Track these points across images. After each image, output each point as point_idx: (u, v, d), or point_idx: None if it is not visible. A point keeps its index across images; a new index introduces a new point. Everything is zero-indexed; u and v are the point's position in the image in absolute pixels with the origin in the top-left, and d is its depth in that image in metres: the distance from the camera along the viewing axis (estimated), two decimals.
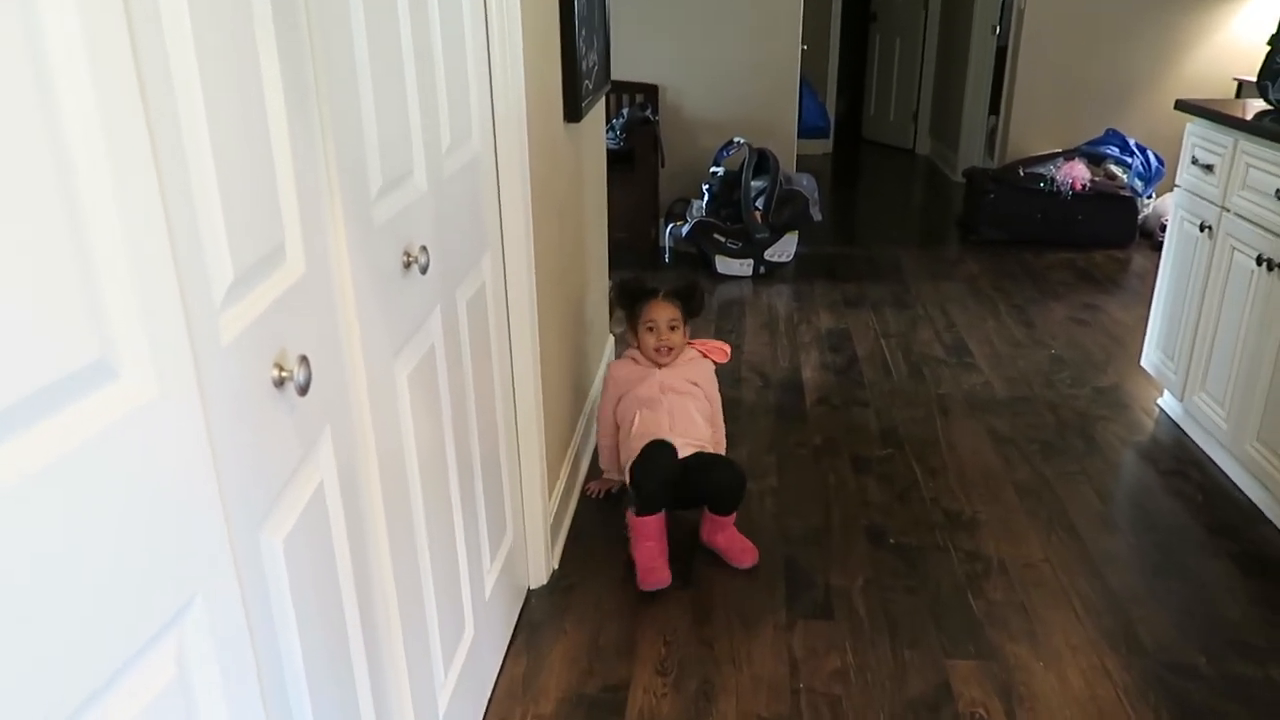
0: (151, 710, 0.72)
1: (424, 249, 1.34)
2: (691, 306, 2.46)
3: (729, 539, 2.28)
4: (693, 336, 2.51)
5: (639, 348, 2.42)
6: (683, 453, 2.26)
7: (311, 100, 1.03)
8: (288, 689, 0.96)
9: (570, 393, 2.53)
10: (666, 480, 2.21)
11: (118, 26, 0.68)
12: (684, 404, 2.38)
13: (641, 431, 2.31)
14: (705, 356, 2.49)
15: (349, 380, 1.14)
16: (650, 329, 2.38)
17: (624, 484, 2.38)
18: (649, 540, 2.19)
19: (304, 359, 0.94)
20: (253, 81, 0.90)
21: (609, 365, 2.51)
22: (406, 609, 1.35)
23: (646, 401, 2.35)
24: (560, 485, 2.35)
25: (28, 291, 0.59)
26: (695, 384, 2.43)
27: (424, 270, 1.35)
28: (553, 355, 2.25)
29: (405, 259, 1.31)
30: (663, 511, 2.21)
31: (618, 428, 2.42)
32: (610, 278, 3.41)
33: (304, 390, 0.94)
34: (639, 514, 2.20)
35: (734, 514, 2.30)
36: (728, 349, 2.52)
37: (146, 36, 0.71)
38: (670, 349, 2.38)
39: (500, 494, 1.92)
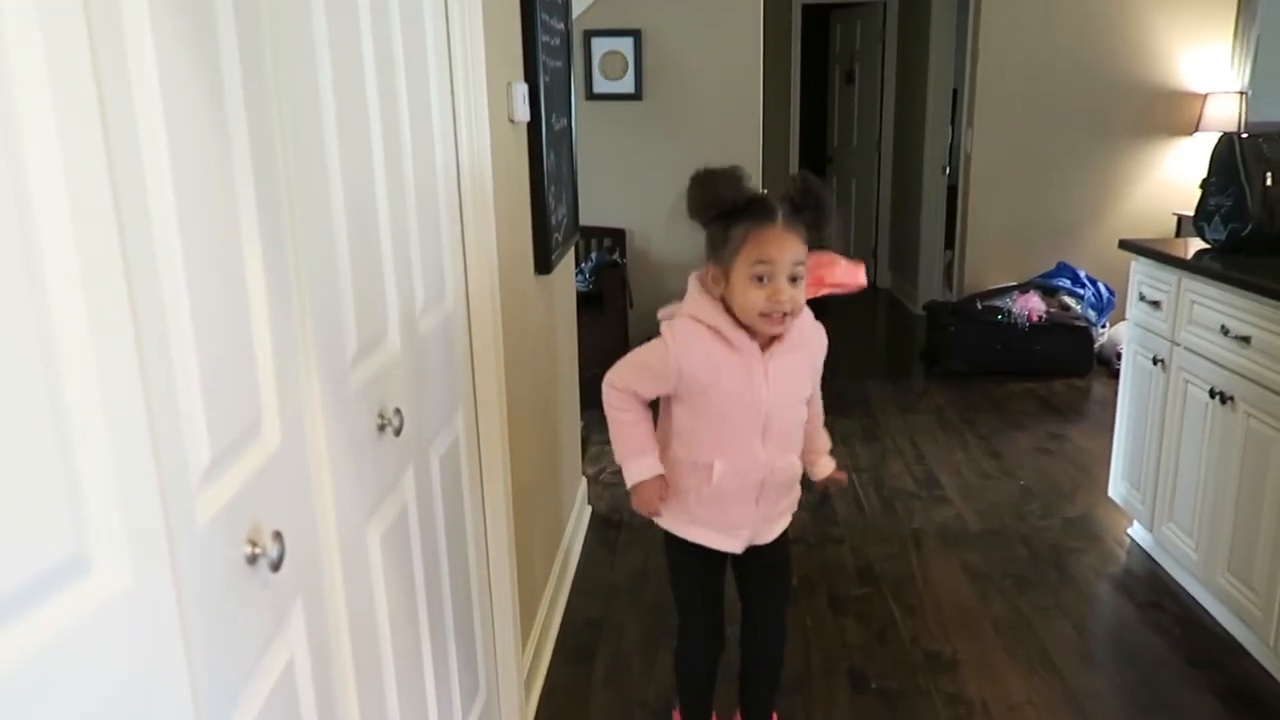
0: None
1: (398, 411, 1.36)
2: (821, 230, 1.53)
3: None
4: None
5: (728, 300, 1.53)
6: (761, 535, 1.70)
7: (289, 264, 1.05)
8: None
9: (544, 541, 2.51)
10: (715, 660, 1.85)
11: (103, 197, 0.69)
12: (791, 407, 1.62)
13: (720, 492, 1.60)
14: (823, 288, 1.66)
15: (322, 550, 1.14)
16: (760, 280, 1.48)
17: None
18: None
19: (278, 534, 0.94)
20: (233, 250, 0.92)
21: (665, 324, 1.61)
22: None
23: (733, 408, 1.55)
24: (534, 637, 2.31)
25: (7, 487, 0.59)
26: (806, 369, 1.64)
27: (398, 433, 1.36)
28: (525, 504, 2.24)
29: (379, 422, 1.33)
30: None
31: (646, 411, 1.65)
32: (582, 418, 3.43)
33: (277, 567, 0.93)
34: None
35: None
36: (860, 269, 1.66)
37: (129, 206, 0.73)
38: (791, 314, 1.51)
39: (473, 650, 1.88)
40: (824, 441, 1.84)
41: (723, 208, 1.51)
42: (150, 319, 0.76)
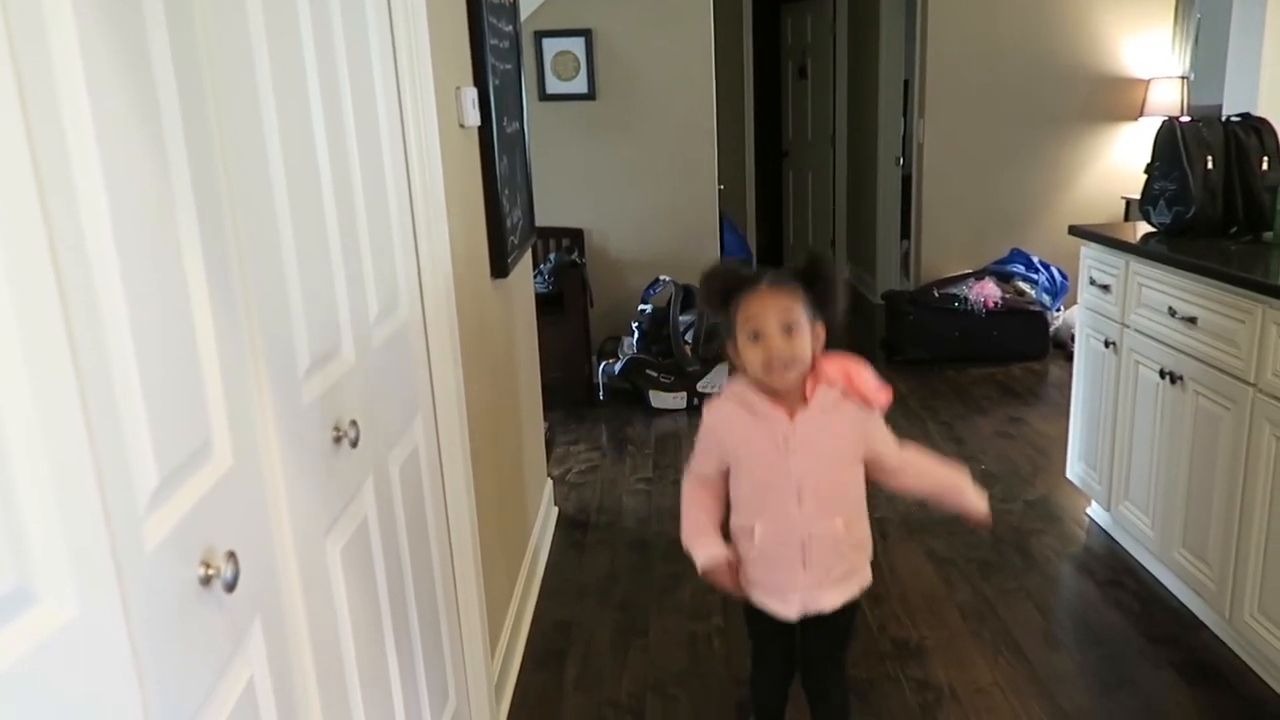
0: None
1: (354, 423, 1.35)
2: (819, 292, 1.59)
3: None
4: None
5: (743, 370, 1.60)
6: (815, 602, 1.66)
7: (234, 280, 1.03)
8: None
9: (510, 544, 2.50)
10: (784, 692, 1.88)
11: (32, 215, 0.67)
12: (826, 471, 1.62)
13: (764, 554, 1.64)
14: (850, 395, 1.61)
15: (279, 566, 1.12)
16: (754, 337, 1.54)
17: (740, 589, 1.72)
18: None
19: (232, 554, 0.93)
20: (174, 268, 0.90)
21: (705, 407, 1.71)
22: None
23: (765, 472, 1.61)
24: (504, 642, 2.30)
25: None
26: (845, 433, 1.62)
27: (354, 444, 1.35)
28: (489, 509, 2.23)
29: (335, 434, 1.31)
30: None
31: (715, 492, 1.71)
32: (546, 419, 3.42)
33: (231, 587, 0.92)
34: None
35: None
36: (886, 392, 1.65)
37: (61, 218, 0.71)
38: (788, 363, 1.54)
39: (441, 659, 1.87)
40: (951, 476, 1.72)
41: (723, 293, 1.60)
42: (87, 340, 0.74)
